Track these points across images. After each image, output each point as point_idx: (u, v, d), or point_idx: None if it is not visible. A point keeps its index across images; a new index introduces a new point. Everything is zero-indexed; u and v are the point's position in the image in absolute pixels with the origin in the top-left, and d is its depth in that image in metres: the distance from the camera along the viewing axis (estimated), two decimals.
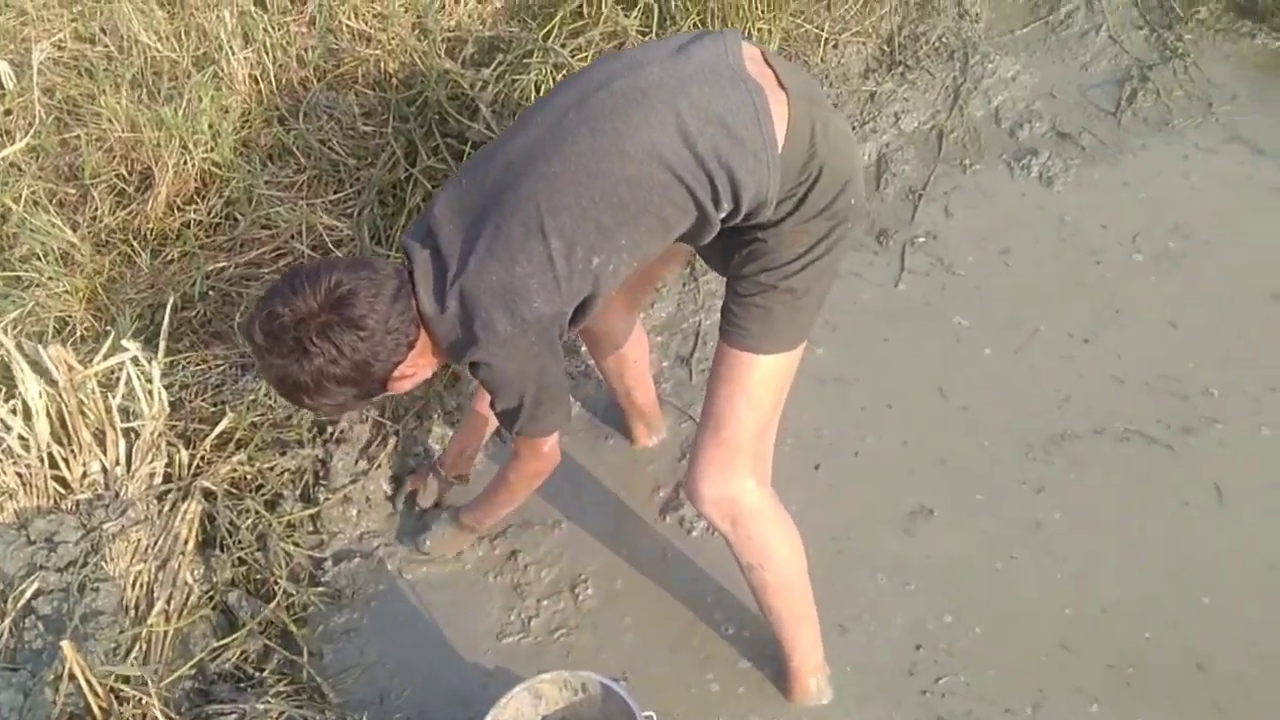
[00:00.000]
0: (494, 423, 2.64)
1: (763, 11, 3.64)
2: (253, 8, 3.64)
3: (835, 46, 3.79)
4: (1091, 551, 2.56)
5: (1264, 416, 2.74)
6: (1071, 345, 2.96)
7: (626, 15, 3.48)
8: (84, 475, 2.70)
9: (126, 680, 2.31)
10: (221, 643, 2.54)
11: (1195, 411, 2.77)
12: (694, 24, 3.54)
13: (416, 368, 2.03)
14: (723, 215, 1.90)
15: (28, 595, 2.46)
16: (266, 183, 3.34)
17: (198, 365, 3.04)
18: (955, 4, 3.92)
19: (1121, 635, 2.43)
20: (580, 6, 3.49)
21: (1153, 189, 3.34)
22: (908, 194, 3.44)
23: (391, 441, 2.93)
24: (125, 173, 3.45)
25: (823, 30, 3.76)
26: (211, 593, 2.63)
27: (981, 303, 3.10)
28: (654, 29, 3.51)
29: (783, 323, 2.00)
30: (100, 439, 2.72)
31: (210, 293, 3.18)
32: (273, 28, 3.57)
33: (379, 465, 2.89)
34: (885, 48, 3.85)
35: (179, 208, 3.38)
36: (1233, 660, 2.36)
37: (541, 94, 3.24)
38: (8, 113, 3.66)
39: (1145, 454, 2.72)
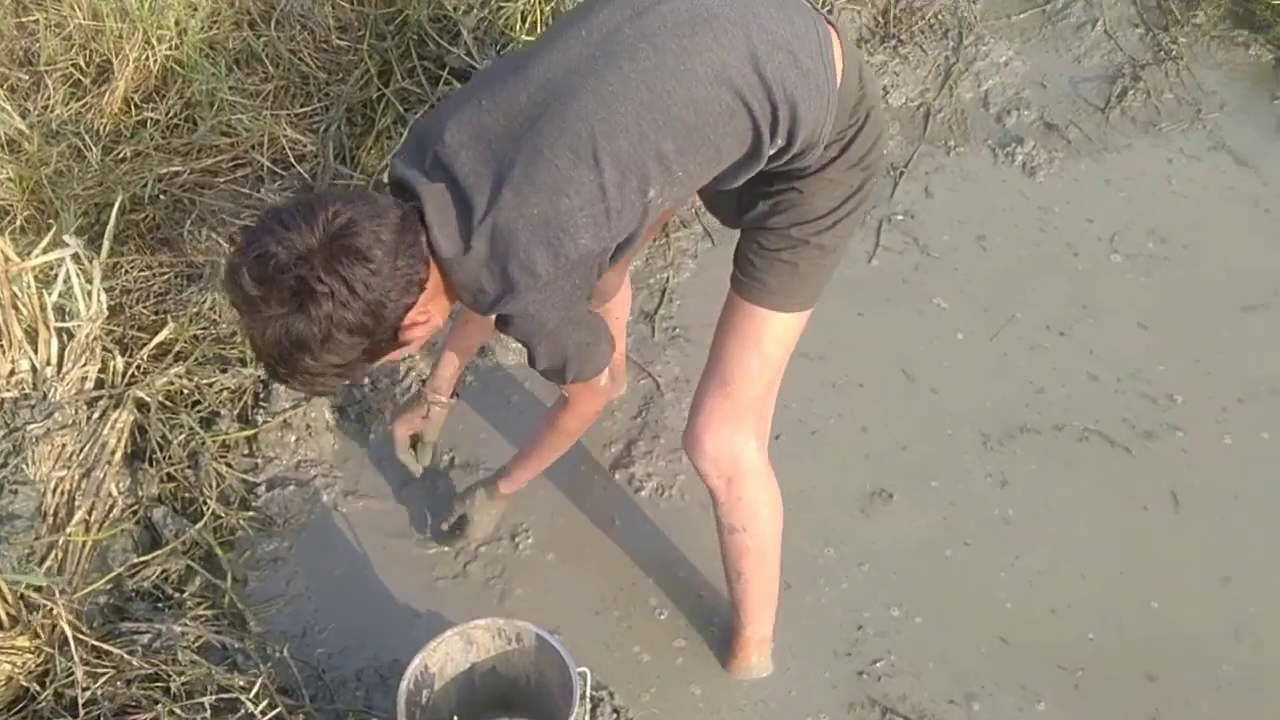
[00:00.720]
0: (484, 330, 2.36)
1: None
2: None
3: (830, 11, 3.70)
4: (1045, 550, 2.53)
5: (1228, 426, 2.72)
6: (1043, 337, 2.92)
7: None
8: (11, 373, 2.57)
9: (39, 589, 2.21)
10: (142, 559, 2.45)
11: (1159, 416, 2.74)
12: None
13: (428, 314, 1.74)
14: (773, 151, 1.76)
15: None
16: (231, 88, 3.22)
17: (142, 271, 2.92)
18: None
19: (1069, 637, 2.40)
20: None
21: (1134, 189, 3.30)
22: (889, 170, 3.37)
23: None
24: (83, 63, 3.32)
25: None
26: (136, 507, 2.53)
27: (954, 286, 3.05)
28: None
29: (807, 280, 1.91)
30: (32, 337, 2.59)
31: (161, 196, 3.06)
32: None
33: None
34: (880, 19, 3.77)
35: (136, 105, 3.25)
36: (1182, 673, 2.33)
37: (558, 14, 3.13)
38: None
39: (1105, 455, 2.68)
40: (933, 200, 3.30)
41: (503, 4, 3.18)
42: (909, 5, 3.77)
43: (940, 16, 3.76)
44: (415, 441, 2.47)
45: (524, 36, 3.16)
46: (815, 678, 2.36)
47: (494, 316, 1.78)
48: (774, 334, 1.95)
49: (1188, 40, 3.71)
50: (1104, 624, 2.41)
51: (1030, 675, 2.34)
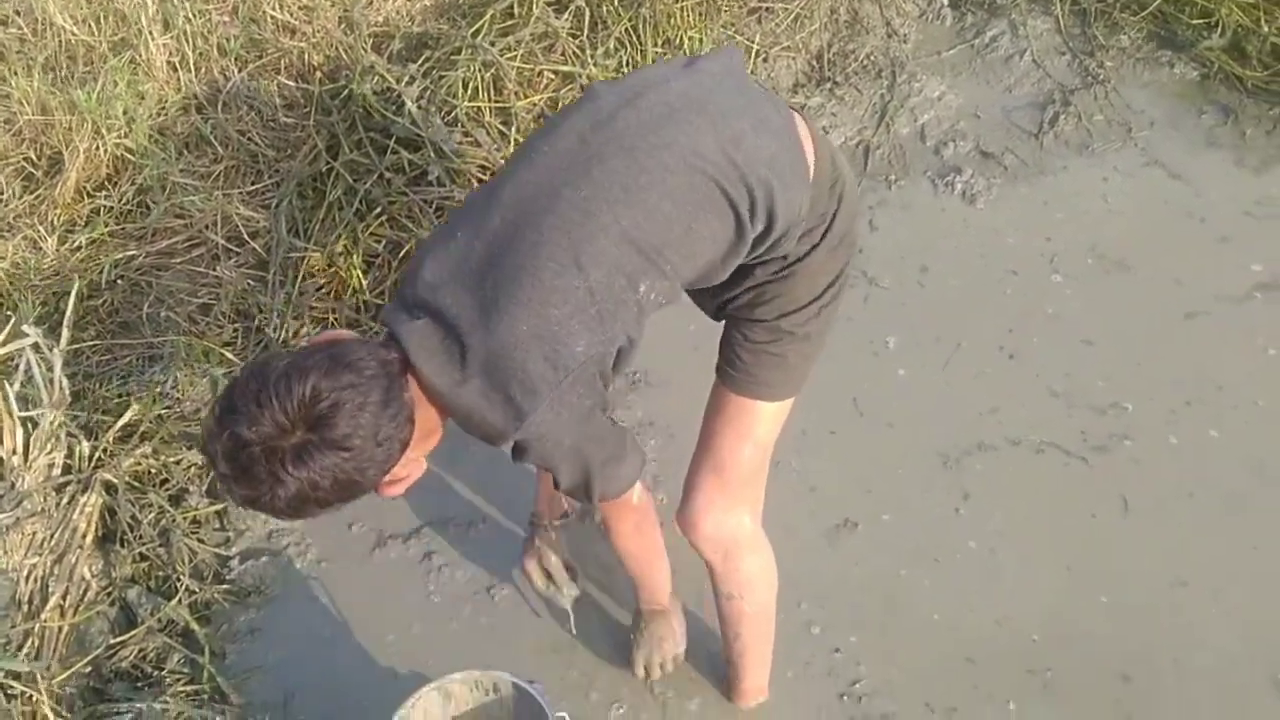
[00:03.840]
0: None
1: (694, 21, 3.64)
2: None
3: (765, 60, 3.81)
4: (1003, 563, 2.58)
5: (1175, 429, 2.78)
6: (990, 361, 2.98)
7: (557, 16, 3.46)
8: None
9: (17, 676, 2.21)
10: (119, 639, 2.46)
11: (1110, 425, 2.80)
12: (626, 30, 3.53)
13: (410, 465, 1.70)
14: (756, 234, 1.73)
15: None
16: (182, 171, 3.27)
17: (103, 355, 2.94)
18: (884, 24, 3.97)
19: (1029, 643, 2.45)
20: (510, 6, 3.46)
21: (1072, 209, 3.39)
22: None
23: None
24: (34, 156, 3.36)
25: (753, 43, 3.78)
26: (110, 588, 2.54)
27: (904, 317, 3.11)
28: (584, 32, 3.49)
29: (796, 370, 1.92)
30: None
31: (119, 281, 3.09)
32: (194, 15, 3.50)
33: None
34: (814, 63, 3.87)
35: (89, 194, 3.29)
36: (1147, 672, 2.38)
37: (499, 81, 3.20)
38: None
39: (1061, 467, 2.74)
40: (878, 234, 3.37)
41: (444, 73, 3.25)
42: (841, 49, 3.88)
43: (873, 57, 3.86)
44: (549, 572, 2.46)
45: (465, 103, 3.22)
46: (801, 703, 2.39)
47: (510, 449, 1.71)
48: (766, 421, 1.96)
49: (1114, 64, 3.82)
50: (1064, 630, 2.45)
51: (998, 683, 2.39)
